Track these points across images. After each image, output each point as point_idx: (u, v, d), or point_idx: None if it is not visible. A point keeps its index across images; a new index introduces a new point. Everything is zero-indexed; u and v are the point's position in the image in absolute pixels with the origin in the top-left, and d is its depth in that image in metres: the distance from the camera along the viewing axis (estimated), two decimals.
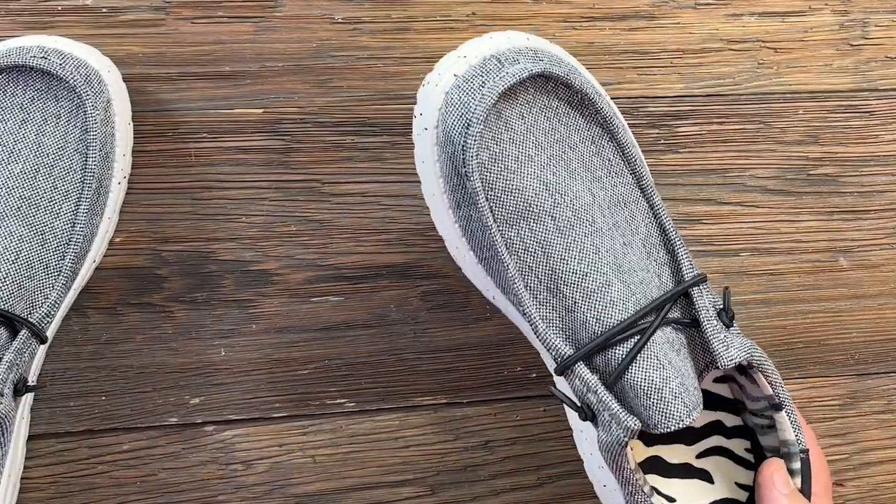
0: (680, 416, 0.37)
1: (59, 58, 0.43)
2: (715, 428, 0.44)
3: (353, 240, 0.51)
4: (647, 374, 0.37)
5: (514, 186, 0.39)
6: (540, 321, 0.39)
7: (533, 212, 0.39)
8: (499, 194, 0.39)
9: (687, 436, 0.44)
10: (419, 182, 0.43)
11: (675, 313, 0.39)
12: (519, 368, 0.52)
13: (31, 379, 0.45)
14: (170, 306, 0.49)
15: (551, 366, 0.41)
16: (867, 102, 0.55)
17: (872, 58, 0.55)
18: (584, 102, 0.40)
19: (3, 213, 0.42)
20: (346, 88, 0.51)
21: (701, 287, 0.40)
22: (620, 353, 0.38)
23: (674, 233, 0.41)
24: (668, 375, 0.37)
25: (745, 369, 0.40)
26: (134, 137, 0.48)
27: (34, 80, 0.44)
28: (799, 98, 0.54)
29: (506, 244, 0.39)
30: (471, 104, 0.38)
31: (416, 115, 0.41)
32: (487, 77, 0.38)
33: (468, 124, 0.38)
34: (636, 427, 0.37)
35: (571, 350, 0.39)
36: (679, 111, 0.53)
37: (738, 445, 0.44)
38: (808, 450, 0.40)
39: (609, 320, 0.38)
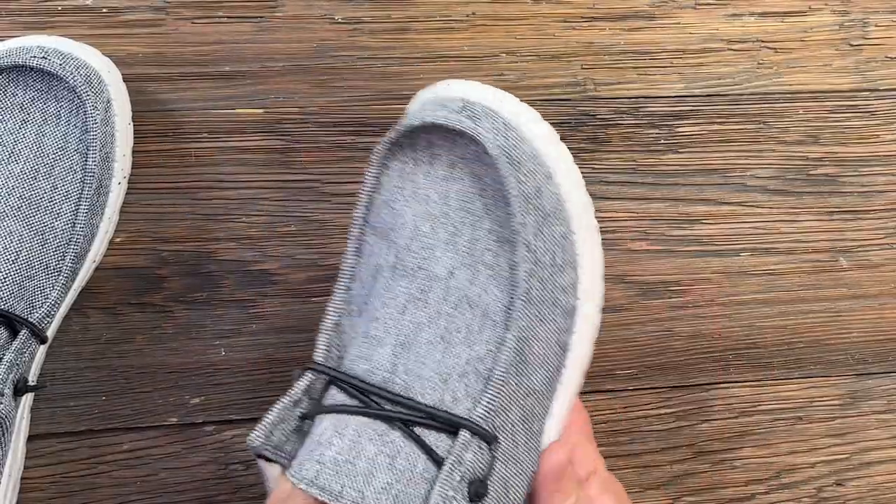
0: (306, 478, 0.32)
1: (59, 58, 0.43)
2: None
3: None
4: (328, 429, 0.33)
5: (391, 211, 0.36)
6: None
7: (390, 241, 0.37)
8: (378, 210, 0.37)
9: None
10: None
11: (429, 437, 0.33)
12: None
13: (32, 379, 0.45)
14: (170, 306, 0.49)
15: None
16: (867, 102, 0.55)
17: (872, 58, 0.55)
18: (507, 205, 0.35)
19: (2, 213, 0.42)
20: (346, 88, 0.51)
21: (469, 438, 0.33)
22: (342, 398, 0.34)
23: (501, 373, 0.34)
24: (339, 445, 0.33)
25: None
26: (134, 137, 0.48)
27: (34, 81, 0.44)
28: (799, 98, 0.54)
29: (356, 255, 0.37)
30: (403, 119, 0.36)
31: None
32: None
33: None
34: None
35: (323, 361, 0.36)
36: (679, 111, 0.53)
37: None
38: None
39: (356, 368, 0.35)
